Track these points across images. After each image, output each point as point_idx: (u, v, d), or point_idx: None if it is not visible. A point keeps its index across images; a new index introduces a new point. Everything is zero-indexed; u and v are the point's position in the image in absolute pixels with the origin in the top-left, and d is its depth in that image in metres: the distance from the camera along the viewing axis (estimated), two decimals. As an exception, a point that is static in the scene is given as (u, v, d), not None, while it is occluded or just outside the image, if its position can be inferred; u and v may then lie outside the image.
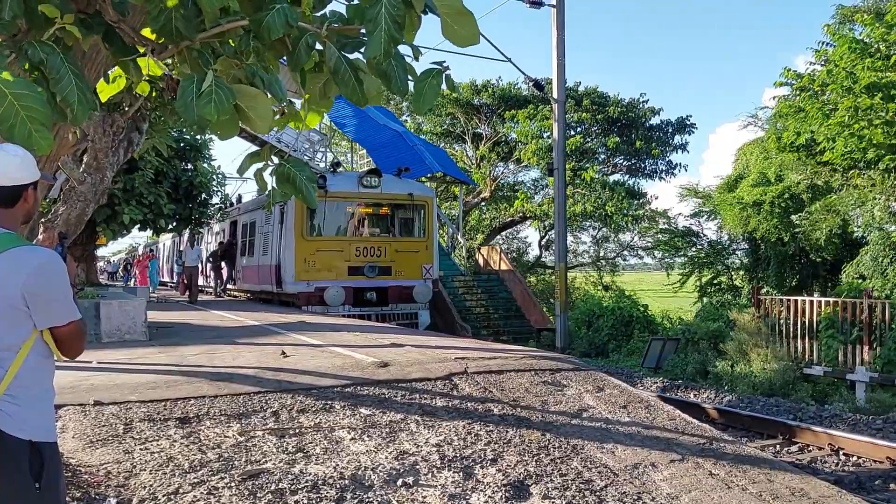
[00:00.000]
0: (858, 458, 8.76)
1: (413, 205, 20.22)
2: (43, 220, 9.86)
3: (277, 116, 4.33)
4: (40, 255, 2.59)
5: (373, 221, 20.10)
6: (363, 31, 3.28)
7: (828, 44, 16.08)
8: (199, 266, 22.13)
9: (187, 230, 26.65)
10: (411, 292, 19.28)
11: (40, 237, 10.05)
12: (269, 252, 19.95)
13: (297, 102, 4.57)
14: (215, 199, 26.23)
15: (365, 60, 3.32)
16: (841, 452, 8.91)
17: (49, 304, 2.57)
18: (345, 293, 18.31)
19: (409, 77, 3.34)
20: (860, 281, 17.26)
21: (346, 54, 3.28)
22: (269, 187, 3.78)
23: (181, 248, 37.33)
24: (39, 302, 2.54)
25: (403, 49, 3.37)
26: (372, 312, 18.59)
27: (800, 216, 19.59)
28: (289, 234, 18.48)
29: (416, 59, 3.52)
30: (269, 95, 3.40)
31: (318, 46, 3.32)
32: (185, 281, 22.35)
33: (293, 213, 18.38)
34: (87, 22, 3.20)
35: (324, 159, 30.06)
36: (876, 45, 14.11)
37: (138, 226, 23.37)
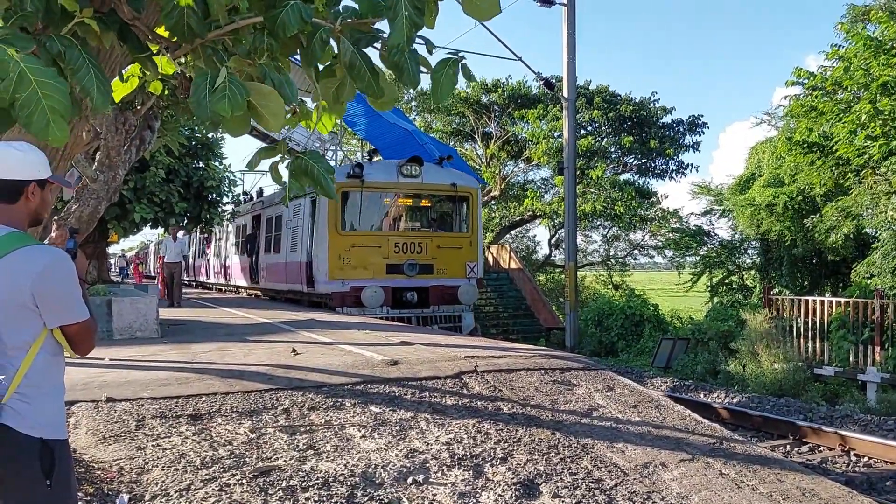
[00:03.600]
0: (870, 458, 8.72)
1: (456, 196, 18.36)
2: (56, 217, 9.92)
3: (289, 115, 4.35)
4: (48, 254, 2.60)
5: (413, 214, 18.33)
6: (376, 25, 3.30)
7: (840, 45, 15.98)
8: (183, 262, 19.82)
9: (197, 228, 26.64)
10: (454, 293, 17.56)
11: (53, 235, 10.13)
12: (299, 248, 18.33)
13: (309, 102, 4.59)
14: (227, 199, 26.28)
15: (378, 56, 3.32)
16: (852, 453, 8.87)
17: (58, 303, 2.58)
18: (383, 294, 16.54)
19: (423, 69, 3.34)
20: (869, 280, 17.17)
21: (361, 49, 3.28)
22: (284, 181, 3.80)
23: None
24: (49, 301, 2.56)
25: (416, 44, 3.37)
26: (412, 315, 16.94)
27: (813, 219, 19.47)
28: (322, 229, 16.75)
29: (430, 52, 3.51)
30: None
31: (332, 43, 3.33)
32: (165, 279, 19.48)
33: (327, 206, 16.70)
34: (102, 20, 3.22)
35: (334, 157, 30.07)
36: (891, 43, 14.01)
37: (150, 224, 23.44)
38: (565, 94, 21.37)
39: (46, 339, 2.60)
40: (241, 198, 28.00)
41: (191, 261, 34.89)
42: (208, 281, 32.84)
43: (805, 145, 17.37)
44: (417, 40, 3.36)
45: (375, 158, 18.81)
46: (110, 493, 4.23)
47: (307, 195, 16.85)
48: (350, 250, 16.77)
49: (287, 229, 19.62)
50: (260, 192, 28.31)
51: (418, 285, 17.24)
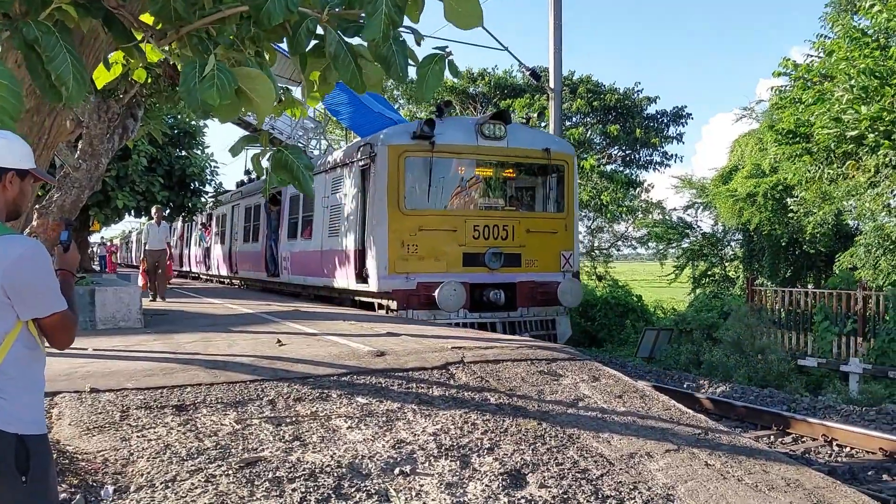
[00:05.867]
0: (852, 448, 8.81)
1: (550, 165, 14.25)
2: (37, 206, 9.81)
3: (274, 104, 4.31)
4: (21, 244, 2.54)
5: (495, 188, 14.29)
6: (364, 14, 3.27)
7: (826, 37, 16.07)
8: (168, 250, 16.96)
9: (180, 217, 26.44)
10: (549, 291, 13.68)
11: (34, 223, 10.02)
12: (342, 233, 14.37)
13: (295, 90, 4.56)
14: (209, 188, 26.14)
15: (366, 45, 3.30)
16: (834, 443, 8.96)
17: (31, 294, 2.53)
18: (464, 292, 12.63)
19: (411, 62, 3.32)
20: (852, 272, 17.34)
21: (347, 39, 3.25)
22: (266, 173, 3.76)
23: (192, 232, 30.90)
24: (20, 293, 2.50)
25: (405, 34, 3.35)
26: (496, 320, 13.23)
27: (794, 201, 19.62)
28: (378, 206, 12.86)
29: (418, 43, 3.49)
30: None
31: (319, 31, 3.30)
32: (146, 269, 16.64)
33: (386, 176, 12.78)
34: (86, 7, 3.17)
35: (318, 147, 29.91)
36: (874, 34, 14.10)
37: (132, 212, 23.29)
38: (551, 84, 21.36)
39: (22, 331, 2.55)
40: (244, 178, 25.80)
41: (186, 249, 32.36)
42: (208, 272, 28.77)
43: (788, 134, 17.46)
44: (406, 31, 3.34)
45: (448, 112, 14.67)
46: (95, 484, 4.19)
47: (356, 162, 13.70)
48: (416, 235, 12.86)
49: (322, 209, 15.74)
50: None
51: (503, 281, 13.43)
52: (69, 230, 3.13)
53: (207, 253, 28.15)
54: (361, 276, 13.44)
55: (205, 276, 29.43)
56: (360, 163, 13.57)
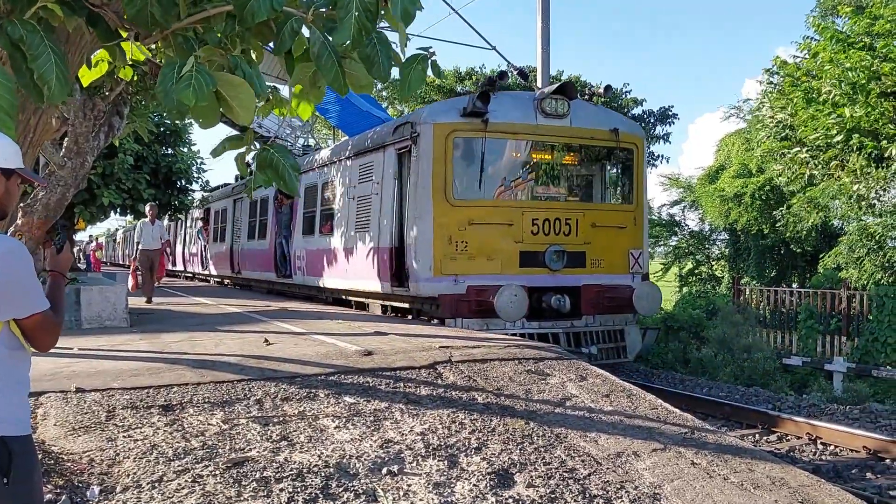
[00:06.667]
0: (836, 447, 8.87)
1: (618, 149, 12.53)
2: (22, 205, 9.74)
3: (261, 104, 4.30)
4: (1, 244, 2.51)
5: (556, 175, 12.35)
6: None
7: (813, 38, 16.18)
8: (164, 249, 15.93)
9: (167, 216, 26.20)
10: (618, 297, 11.91)
11: (19, 222, 9.94)
12: (372, 228, 12.56)
13: (283, 89, 4.54)
14: (195, 186, 26.03)
15: (351, 46, 3.30)
16: (819, 442, 9.02)
17: (9, 295, 2.50)
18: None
19: (394, 63, 3.33)
20: (836, 271, 17.48)
21: (333, 41, 3.25)
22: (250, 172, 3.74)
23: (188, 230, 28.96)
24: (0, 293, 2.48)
25: (392, 36, 3.36)
26: (559, 330, 11.41)
27: (781, 211, 19.72)
28: (421, 195, 11.11)
29: (404, 46, 3.50)
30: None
31: (306, 32, 3.30)
32: (137, 269, 15.76)
33: (430, 160, 11.05)
34: (69, 4, 3.15)
35: (303, 146, 29.74)
36: (860, 38, 14.21)
37: (117, 210, 23.17)
38: (539, 84, 21.39)
39: (3, 332, 2.52)
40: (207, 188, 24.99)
41: (180, 248, 30.63)
42: (205, 272, 26.94)
43: (779, 126, 17.50)
44: (393, 36, 3.35)
45: (502, 84, 12.52)
46: (81, 485, 4.17)
47: (391, 145, 12.05)
48: (466, 229, 11.08)
49: (347, 200, 13.83)
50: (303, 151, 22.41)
51: (565, 284, 11.64)
52: (64, 232, 3.10)
53: (204, 251, 26.40)
54: (398, 279, 11.66)
55: (201, 277, 27.92)
56: (398, 145, 11.83)
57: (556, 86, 12.06)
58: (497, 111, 11.23)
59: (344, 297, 14.54)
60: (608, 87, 12.40)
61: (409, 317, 11.97)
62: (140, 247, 15.17)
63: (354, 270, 13.19)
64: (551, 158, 12.17)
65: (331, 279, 14.50)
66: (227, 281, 24.65)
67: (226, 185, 25.73)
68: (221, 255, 23.37)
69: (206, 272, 26.32)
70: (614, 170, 13.09)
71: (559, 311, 11.42)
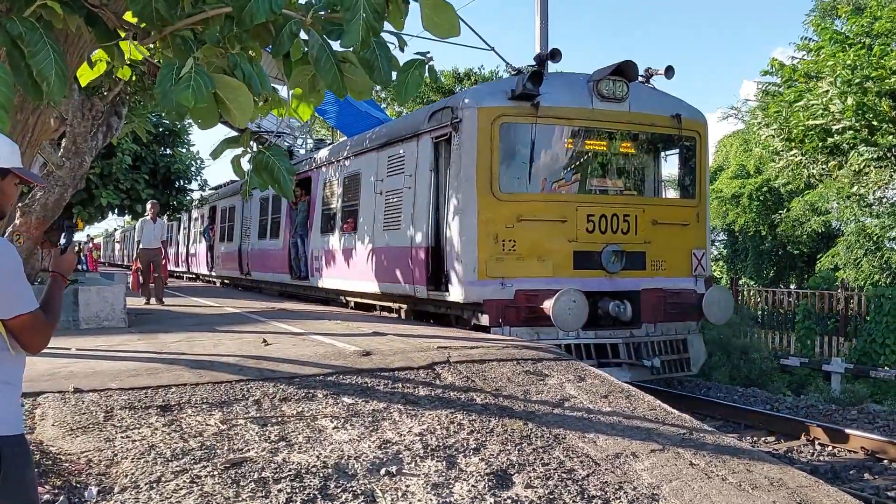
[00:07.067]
0: (834, 448, 8.89)
1: (680, 137, 11.24)
2: (20, 205, 9.73)
3: (261, 103, 4.30)
4: None
5: (613, 165, 11.24)
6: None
7: (811, 39, 16.23)
8: (164, 249, 15.42)
9: (165, 215, 26.11)
10: (682, 303, 10.76)
11: (17, 222, 9.93)
12: (404, 225, 11.48)
13: (282, 89, 4.54)
14: (194, 185, 26.06)
15: (352, 50, 3.30)
16: (817, 442, 9.04)
17: None
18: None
19: (394, 67, 3.33)
20: (833, 272, 17.51)
21: (332, 42, 3.26)
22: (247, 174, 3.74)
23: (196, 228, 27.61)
24: None
25: (388, 38, 3.36)
26: (619, 340, 10.20)
27: (781, 214, 19.75)
28: (464, 189, 9.96)
29: (402, 49, 3.51)
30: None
31: (304, 36, 3.30)
32: (139, 269, 15.17)
33: (474, 149, 9.92)
34: (68, 3, 3.15)
35: (304, 146, 29.76)
36: (859, 39, 14.26)
37: (115, 210, 23.20)
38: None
39: None
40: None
41: (183, 248, 29.80)
42: (211, 273, 25.71)
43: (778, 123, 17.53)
44: (389, 35, 3.36)
45: (552, 64, 10.74)
46: (78, 485, 4.16)
47: (428, 132, 10.99)
48: (514, 227, 9.90)
49: (373, 195, 12.66)
50: (290, 154, 20.84)
51: (624, 289, 10.39)
52: (70, 233, 3.08)
53: (209, 251, 25.20)
54: (434, 282, 10.64)
55: (207, 278, 26.88)
56: (434, 133, 10.76)
57: (614, 65, 10.50)
58: (548, 94, 9.96)
59: (371, 301, 13.33)
60: (670, 68, 10.98)
61: (447, 324, 10.78)
62: (140, 245, 14.77)
63: (382, 273, 12.12)
64: (608, 147, 10.96)
65: (353, 282, 13.33)
66: (226, 281, 24.06)
67: (232, 181, 25.02)
68: (229, 256, 22.27)
69: (212, 273, 25.30)
70: (675, 160, 11.79)
71: (618, 319, 10.18)
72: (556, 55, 10.29)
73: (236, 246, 21.38)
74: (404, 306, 12.06)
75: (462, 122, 10.04)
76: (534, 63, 10.01)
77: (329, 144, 17.49)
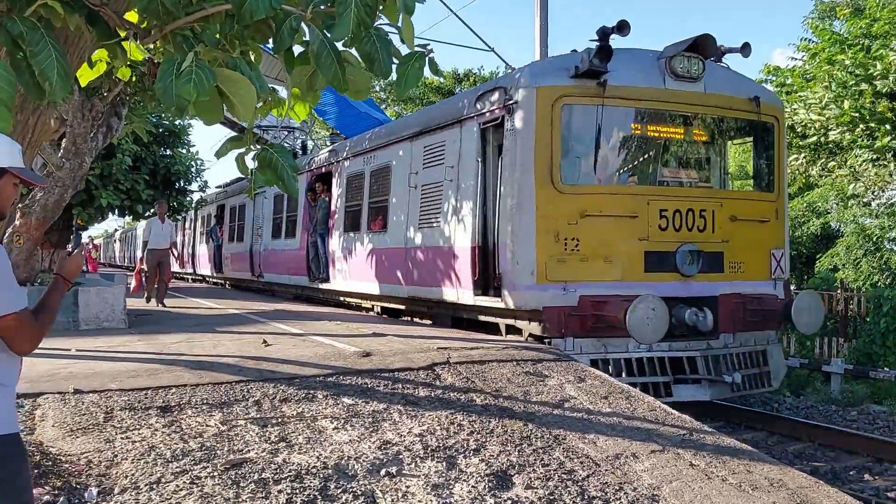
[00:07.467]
0: (834, 448, 8.88)
1: (758, 123, 10.02)
2: (20, 205, 9.73)
3: (260, 104, 4.30)
4: None
5: (685, 154, 10.01)
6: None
7: (810, 40, 16.26)
8: (173, 250, 14.89)
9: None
10: (763, 309, 9.46)
11: (17, 223, 9.93)
12: (445, 222, 10.34)
13: (281, 90, 4.53)
14: (194, 186, 26.07)
15: (346, 44, 3.30)
16: (817, 443, 9.03)
17: None
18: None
19: (395, 60, 3.33)
20: (833, 272, 17.52)
21: (332, 37, 3.25)
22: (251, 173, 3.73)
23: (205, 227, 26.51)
24: None
25: (391, 31, 3.36)
26: (696, 353, 8.90)
27: None
28: (521, 180, 8.83)
29: (403, 41, 3.50)
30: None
31: (306, 30, 3.30)
32: (144, 271, 14.87)
33: (532, 134, 8.79)
34: (69, 3, 3.15)
35: (299, 147, 29.70)
36: (857, 41, 14.28)
37: (116, 211, 23.21)
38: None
39: None
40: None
41: (188, 248, 28.88)
42: (216, 275, 24.72)
43: None
44: (392, 30, 3.35)
45: (619, 37, 8.91)
46: (78, 486, 4.16)
47: (474, 117, 9.87)
48: (578, 224, 8.76)
49: (407, 189, 11.49)
50: (304, 149, 20.26)
51: (701, 294, 9.16)
52: (78, 236, 3.03)
53: (217, 252, 24.18)
54: (482, 286, 9.58)
55: (214, 280, 26.01)
56: (482, 118, 9.65)
57: (689, 39, 9.25)
58: (614, 72, 8.82)
59: (396, 306, 12.30)
60: (747, 45, 9.71)
61: (497, 333, 9.63)
62: (148, 246, 14.36)
63: (415, 275, 11.06)
64: (682, 133, 9.70)
65: (381, 285, 12.20)
66: (224, 282, 23.60)
67: (240, 179, 23.99)
68: (238, 257, 21.17)
69: (220, 275, 24.26)
70: (752, 149, 10.60)
71: (694, 329, 8.91)
72: (623, 28, 8.73)
73: (247, 246, 20.36)
74: (446, 312, 10.79)
75: (518, 104, 8.98)
76: (596, 37, 8.66)
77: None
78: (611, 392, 6.73)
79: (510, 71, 11.73)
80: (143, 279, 14.84)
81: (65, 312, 10.13)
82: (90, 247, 44.18)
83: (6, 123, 2.72)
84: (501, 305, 9.13)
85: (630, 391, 6.86)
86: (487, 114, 9.58)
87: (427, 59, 3.35)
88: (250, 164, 3.66)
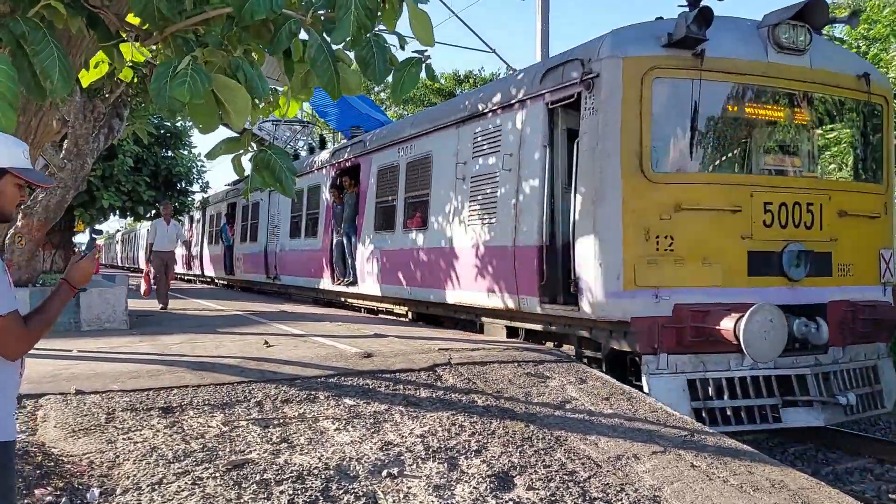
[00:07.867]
0: (835, 449, 8.86)
1: (867, 104, 8.64)
2: (22, 206, 9.75)
3: (262, 105, 4.31)
4: None
5: (791, 138, 8.58)
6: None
7: None
8: (179, 252, 14.43)
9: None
10: (874, 318, 8.12)
11: (19, 224, 9.94)
12: (504, 218, 9.07)
13: (281, 90, 4.55)
14: (195, 187, 26.11)
15: (344, 47, 3.32)
16: (817, 444, 9.01)
17: None
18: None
19: (391, 66, 3.34)
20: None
21: (329, 41, 3.27)
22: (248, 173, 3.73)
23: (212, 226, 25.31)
24: None
25: (389, 38, 3.37)
26: (806, 370, 7.65)
27: None
28: (603, 167, 7.53)
29: (402, 48, 3.51)
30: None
31: (303, 36, 3.31)
32: (152, 273, 14.50)
33: (617, 113, 7.46)
34: (70, 4, 3.17)
35: (304, 148, 29.74)
36: (857, 43, 14.26)
37: (118, 212, 23.25)
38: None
39: None
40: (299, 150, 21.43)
41: (195, 249, 27.61)
42: (227, 276, 23.50)
43: None
44: (390, 34, 3.37)
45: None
46: (81, 487, 4.17)
47: (540, 96, 8.61)
48: (672, 219, 7.42)
49: (452, 182, 10.28)
50: (322, 143, 19.12)
51: (809, 301, 7.85)
52: (93, 240, 2.98)
53: (227, 253, 22.97)
54: (549, 292, 8.35)
55: (225, 282, 24.93)
56: (552, 96, 8.40)
57: (796, 6, 7.84)
58: (712, 41, 7.45)
59: (437, 312, 11.12)
60: (856, 13, 8.62)
61: (567, 347, 8.61)
62: (154, 248, 14.06)
63: (464, 279, 9.85)
64: (787, 114, 8.32)
65: (424, 289, 10.95)
66: (260, 287, 21.26)
67: (238, 181, 23.26)
68: (252, 258, 20.02)
69: (231, 277, 22.96)
70: (858, 133, 9.09)
71: (804, 343, 7.64)
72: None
73: (261, 247, 19.08)
74: (500, 322, 9.63)
75: (599, 78, 7.67)
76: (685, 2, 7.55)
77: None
78: (612, 393, 6.73)
79: (515, 70, 10.77)
80: (153, 282, 14.58)
81: (66, 313, 10.13)
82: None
83: (10, 121, 2.71)
84: (577, 315, 7.91)
85: (631, 392, 6.86)
86: (558, 91, 8.29)
87: (424, 65, 3.37)
88: (247, 165, 3.67)
